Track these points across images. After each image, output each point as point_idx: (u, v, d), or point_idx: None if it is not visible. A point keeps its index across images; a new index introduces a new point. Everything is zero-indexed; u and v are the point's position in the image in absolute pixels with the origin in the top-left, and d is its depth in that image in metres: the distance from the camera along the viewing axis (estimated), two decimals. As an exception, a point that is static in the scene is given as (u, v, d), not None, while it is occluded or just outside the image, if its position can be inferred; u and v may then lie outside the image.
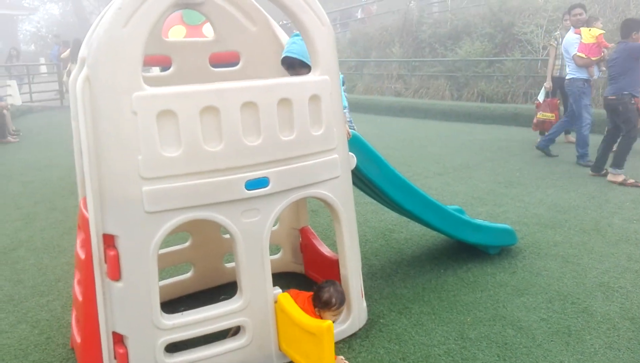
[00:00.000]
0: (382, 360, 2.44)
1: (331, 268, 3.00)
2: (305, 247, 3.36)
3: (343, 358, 2.44)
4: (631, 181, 5.21)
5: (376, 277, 3.36)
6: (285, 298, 2.37)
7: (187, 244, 3.16)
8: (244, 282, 2.30)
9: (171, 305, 2.88)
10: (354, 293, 2.68)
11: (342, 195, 2.55)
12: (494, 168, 6.13)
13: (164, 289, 3.02)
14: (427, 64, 12.79)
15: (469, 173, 5.98)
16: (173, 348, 2.26)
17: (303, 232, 3.36)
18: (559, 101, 7.15)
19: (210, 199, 2.13)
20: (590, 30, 6.05)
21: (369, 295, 3.07)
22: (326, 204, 2.54)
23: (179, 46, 2.95)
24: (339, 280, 2.73)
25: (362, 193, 3.42)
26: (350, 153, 2.65)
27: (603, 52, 5.98)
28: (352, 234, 2.66)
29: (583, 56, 6.01)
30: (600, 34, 6.01)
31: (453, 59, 11.88)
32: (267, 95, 2.18)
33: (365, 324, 2.77)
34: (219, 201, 2.16)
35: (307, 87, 2.31)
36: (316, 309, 2.47)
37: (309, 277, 3.38)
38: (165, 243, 3.11)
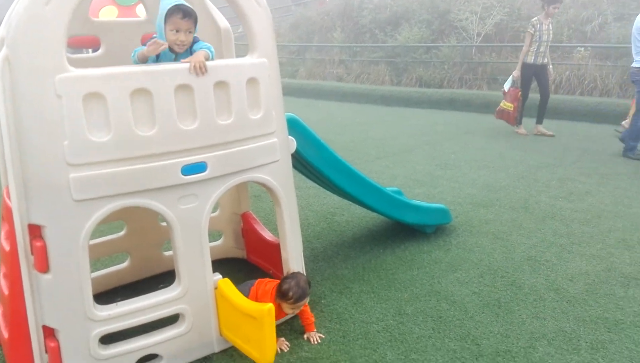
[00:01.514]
0: (323, 340, 2.48)
1: (273, 253, 3.01)
2: (247, 232, 3.34)
3: (284, 340, 2.46)
4: None
5: (318, 259, 3.41)
6: (226, 284, 2.35)
7: (122, 233, 3.05)
8: (182, 269, 2.26)
9: (107, 296, 2.78)
10: (296, 276, 2.70)
11: (282, 179, 2.54)
12: (431, 151, 6.33)
13: (99, 280, 2.93)
14: (367, 50, 12.93)
15: (407, 156, 6.14)
16: (109, 339, 2.19)
17: (244, 217, 3.33)
18: (520, 93, 7.01)
19: (144, 186, 2.06)
20: None
21: (311, 277, 3.10)
22: (266, 188, 2.53)
23: (107, 27, 2.80)
24: (281, 263, 2.75)
25: (304, 177, 3.44)
26: (290, 137, 2.65)
27: None
28: (292, 218, 2.67)
29: None
30: None
31: (393, 45, 12.09)
32: (203, 77, 2.13)
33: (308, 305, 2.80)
34: (154, 188, 2.09)
35: (245, 70, 2.27)
36: (276, 297, 2.42)
37: (251, 262, 3.37)
38: (99, 232, 3.01)
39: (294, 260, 2.70)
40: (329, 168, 3.02)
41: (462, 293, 2.90)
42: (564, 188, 4.73)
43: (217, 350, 2.44)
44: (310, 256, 3.44)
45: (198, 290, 2.31)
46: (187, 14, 2.22)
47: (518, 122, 7.20)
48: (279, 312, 2.45)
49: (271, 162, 2.45)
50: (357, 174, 3.17)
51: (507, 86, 7.10)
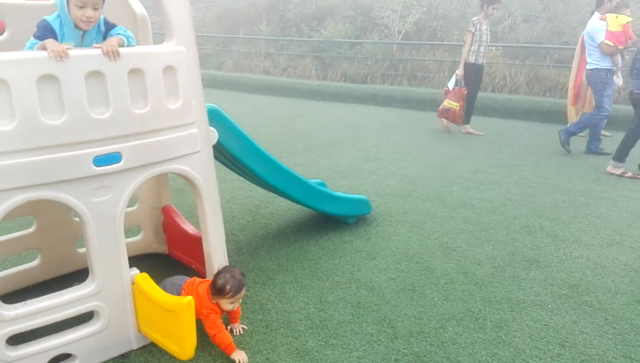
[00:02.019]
0: (245, 331, 2.50)
1: (195, 246, 2.96)
2: (168, 226, 3.26)
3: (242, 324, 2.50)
4: (629, 173, 5.21)
5: (242, 252, 3.40)
6: (143, 279, 2.29)
7: (31, 229, 2.86)
8: (95, 265, 2.17)
9: (18, 296, 2.62)
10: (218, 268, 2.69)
11: (202, 171, 2.51)
12: (355, 144, 6.50)
13: (7, 279, 2.76)
14: (294, 44, 12.97)
15: (332, 149, 6.27)
16: (20, 339, 2.07)
17: (165, 211, 3.25)
18: (466, 91, 6.95)
19: (52, 178, 1.95)
20: (617, 17, 5.69)
21: (235, 269, 3.10)
22: (187, 180, 2.49)
23: (13, 9, 2.61)
24: (203, 257, 2.72)
25: (228, 170, 3.41)
26: (211, 128, 2.61)
27: (628, 42, 5.69)
28: (214, 210, 2.65)
29: (611, 44, 5.63)
30: (627, 22, 5.66)
31: (318, 39, 12.21)
32: (115, 64, 2.04)
33: (230, 298, 2.80)
34: (64, 179, 1.98)
35: (161, 58, 2.21)
36: (212, 297, 2.35)
37: (173, 257, 3.30)
38: (7, 229, 2.81)
39: (216, 253, 2.68)
40: (251, 160, 3.01)
41: (380, 279, 3.03)
42: (474, 179, 5.05)
43: (135, 347, 2.37)
44: (235, 249, 3.43)
45: (114, 286, 2.23)
46: None
47: (464, 122, 7.17)
48: (233, 317, 2.47)
49: (191, 153, 2.41)
50: (279, 165, 3.20)
51: (451, 85, 7.02)
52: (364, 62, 11.25)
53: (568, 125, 6.40)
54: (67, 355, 2.19)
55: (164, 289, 2.34)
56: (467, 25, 7.11)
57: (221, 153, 2.96)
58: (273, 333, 2.49)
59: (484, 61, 6.98)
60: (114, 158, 2.10)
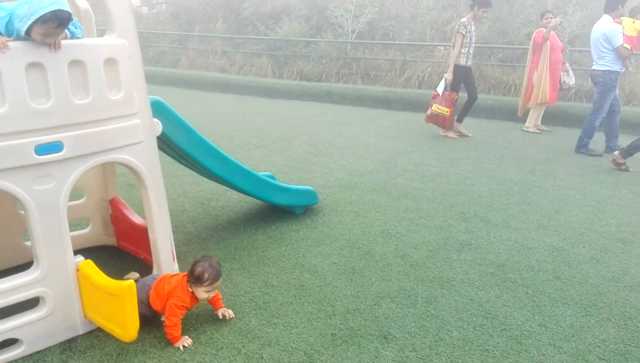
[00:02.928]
0: (191, 314, 2.60)
1: (143, 237, 3.03)
2: (116, 218, 3.32)
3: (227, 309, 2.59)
4: (624, 167, 5.51)
5: (192, 243, 3.50)
6: (88, 265, 2.36)
7: (-26, 222, 2.88)
8: (40, 252, 2.23)
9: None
10: (164, 257, 2.78)
11: (146, 160, 2.59)
12: (308, 140, 6.67)
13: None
14: (250, 42, 13.01)
15: (285, 145, 6.40)
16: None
17: (113, 203, 3.30)
18: (456, 97, 6.75)
19: (-7, 166, 2.01)
20: (634, 22, 5.79)
21: (184, 259, 3.20)
22: (130, 169, 2.57)
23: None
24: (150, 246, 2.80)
25: (181, 166, 3.48)
26: (155, 119, 2.70)
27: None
28: (159, 199, 2.74)
29: (629, 47, 5.73)
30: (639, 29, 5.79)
31: (274, 38, 12.31)
32: (56, 56, 2.12)
33: (177, 284, 2.89)
34: (6, 168, 2.05)
35: (102, 50, 2.29)
36: (190, 285, 2.42)
37: (122, 249, 3.36)
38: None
39: (162, 241, 2.76)
40: (198, 152, 3.11)
41: (323, 264, 3.20)
42: (418, 171, 5.31)
43: (81, 332, 2.45)
44: (184, 240, 3.52)
45: (58, 273, 2.30)
46: (62, 23, 2.03)
47: (452, 128, 7.01)
48: (193, 300, 2.47)
49: (134, 143, 2.49)
50: (226, 157, 3.31)
51: (440, 90, 6.73)
52: (319, 60, 11.44)
53: (578, 141, 6.36)
54: (14, 340, 2.24)
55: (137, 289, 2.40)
56: (452, 27, 7.18)
57: (168, 146, 3.04)
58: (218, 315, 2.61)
59: (471, 63, 6.88)
60: (55, 147, 2.17)
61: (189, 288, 2.43)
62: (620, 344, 2.48)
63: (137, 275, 2.75)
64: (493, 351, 2.40)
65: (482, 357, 2.35)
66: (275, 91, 10.82)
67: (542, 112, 7.57)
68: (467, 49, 6.63)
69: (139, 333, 2.25)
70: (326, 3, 12.32)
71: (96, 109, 2.29)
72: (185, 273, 2.49)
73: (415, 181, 4.96)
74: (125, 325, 2.21)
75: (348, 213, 4.04)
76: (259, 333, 2.48)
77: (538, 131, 7.47)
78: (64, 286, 2.33)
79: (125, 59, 2.40)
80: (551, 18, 7.08)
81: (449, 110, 6.67)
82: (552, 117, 7.79)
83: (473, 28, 6.65)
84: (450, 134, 6.97)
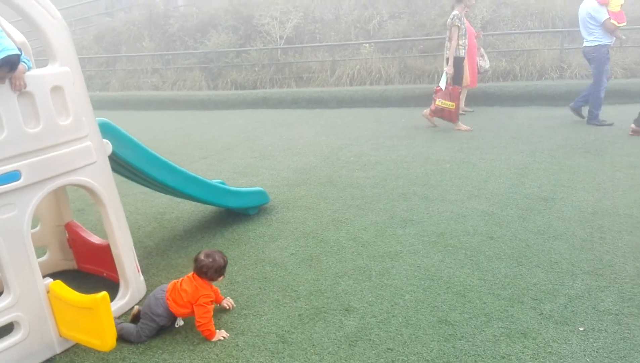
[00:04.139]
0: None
1: (104, 255, 3.13)
2: (74, 241, 3.38)
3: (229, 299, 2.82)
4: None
5: (152, 255, 3.61)
6: (58, 285, 2.46)
7: None
8: (10, 279, 2.31)
9: None
10: (129, 269, 2.90)
11: (101, 179, 2.72)
12: (251, 146, 6.85)
13: None
14: (180, 57, 12.98)
15: (230, 153, 6.56)
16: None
17: (69, 227, 3.36)
18: (460, 89, 6.85)
19: (-46, 200, 2.09)
20: None
21: (147, 270, 3.32)
22: (87, 190, 2.68)
23: None
24: (113, 263, 2.91)
25: (130, 183, 3.57)
26: (105, 140, 2.82)
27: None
28: (118, 214, 2.86)
29: (615, 22, 6.18)
30: (621, 4, 6.29)
31: (204, 51, 12.36)
32: (4, 90, 2.22)
33: (145, 295, 3.02)
34: (-34, 201, 2.13)
35: (48, 80, 2.40)
36: (214, 279, 2.63)
37: (83, 270, 3.42)
38: None
39: (125, 255, 2.89)
40: (148, 166, 3.23)
41: (283, 256, 3.42)
42: (359, 161, 5.64)
43: (59, 351, 2.53)
44: (144, 254, 3.62)
45: (30, 296, 2.39)
46: (13, 66, 2.17)
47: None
48: (215, 292, 2.70)
49: (88, 164, 2.62)
50: (176, 168, 3.45)
51: (442, 84, 6.79)
52: (252, 68, 11.62)
53: (588, 115, 6.81)
54: (-9, 367, 2.31)
55: (146, 304, 2.57)
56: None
57: (119, 164, 3.15)
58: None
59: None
60: (13, 176, 2.27)
61: (211, 282, 2.63)
62: (549, 285, 2.86)
63: (137, 307, 2.77)
64: (441, 306, 2.71)
65: (432, 312, 2.66)
66: (211, 102, 10.89)
67: (465, 95, 8.15)
68: (463, 40, 6.78)
69: (117, 341, 2.37)
70: (251, 12, 12.51)
71: (48, 136, 2.40)
72: (191, 274, 2.64)
73: (358, 171, 5.28)
74: (103, 335, 2.33)
75: (299, 208, 4.29)
76: (231, 325, 2.67)
77: (463, 113, 8.05)
78: (37, 308, 2.42)
79: (71, 86, 2.52)
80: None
81: (454, 103, 6.72)
82: (474, 99, 8.39)
83: (464, 19, 6.86)
84: (463, 126, 6.93)
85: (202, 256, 2.62)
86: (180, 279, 2.69)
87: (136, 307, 2.74)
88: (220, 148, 6.87)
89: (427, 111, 7.22)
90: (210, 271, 2.60)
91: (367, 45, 10.70)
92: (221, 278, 2.68)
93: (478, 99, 8.49)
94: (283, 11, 11.81)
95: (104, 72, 13.85)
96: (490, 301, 2.73)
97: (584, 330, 2.43)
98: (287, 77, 11.27)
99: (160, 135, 8.13)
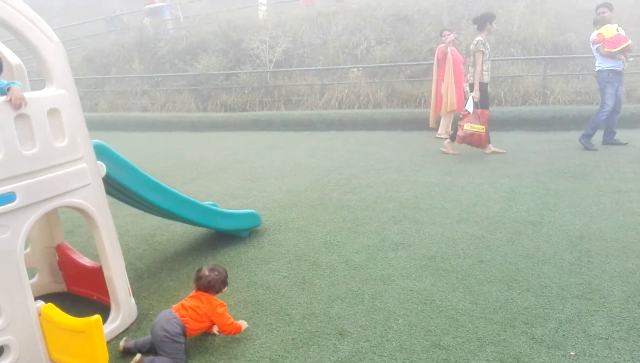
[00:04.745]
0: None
1: (95, 278, 3.10)
2: (64, 264, 3.34)
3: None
4: None
5: (143, 278, 3.58)
6: (50, 309, 2.43)
7: None
8: (2, 301, 2.28)
9: None
10: (121, 293, 2.88)
11: (96, 201, 2.71)
12: (242, 168, 6.87)
13: None
14: (170, 79, 13.04)
15: (221, 174, 6.56)
16: None
17: (59, 249, 3.33)
18: (488, 113, 6.74)
19: (-52, 222, 2.07)
20: (609, 27, 6.64)
21: (138, 293, 3.28)
22: (81, 212, 2.67)
23: None
24: (105, 286, 2.88)
25: (120, 205, 3.55)
26: (99, 162, 2.83)
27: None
28: (111, 236, 2.85)
29: (609, 49, 6.56)
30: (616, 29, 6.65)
31: (194, 73, 12.44)
32: (1, 112, 2.22)
33: (137, 318, 2.99)
34: (-40, 222, 2.11)
35: (44, 102, 2.42)
36: (220, 291, 2.74)
37: (72, 293, 3.38)
38: None
39: (117, 278, 2.87)
40: (141, 188, 3.24)
41: (275, 279, 3.41)
42: (350, 184, 5.69)
43: (48, 375, 2.49)
44: (135, 276, 3.59)
45: (22, 319, 2.35)
46: None
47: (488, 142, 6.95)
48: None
49: (83, 186, 2.61)
50: (169, 190, 3.45)
51: (470, 108, 6.65)
52: (241, 91, 11.71)
53: (584, 131, 7.02)
54: (-21, 394, 2.26)
55: (156, 334, 2.53)
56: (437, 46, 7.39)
57: (112, 186, 3.15)
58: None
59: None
60: (8, 197, 2.26)
61: (220, 293, 2.77)
62: (540, 309, 2.90)
63: (139, 355, 2.57)
64: (435, 330, 2.73)
65: (426, 337, 2.67)
66: (201, 124, 10.92)
67: (452, 119, 8.30)
68: (488, 65, 6.72)
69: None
70: (241, 36, 12.67)
71: (44, 158, 2.40)
72: (196, 293, 2.70)
73: (348, 193, 5.32)
74: (96, 359, 2.30)
75: (291, 230, 4.29)
76: (224, 350, 2.65)
77: (445, 137, 8.18)
78: (28, 332, 2.38)
79: (67, 108, 2.54)
80: (448, 34, 7.88)
81: (483, 127, 6.62)
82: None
83: (488, 45, 6.77)
84: (495, 149, 6.92)
85: (206, 272, 2.71)
86: (180, 303, 2.68)
87: (138, 355, 2.55)
88: (211, 170, 6.87)
89: (447, 142, 7.08)
90: (217, 283, 2.70)
91: (355, 69, 10.89)
92: (226, 288, 2.79)
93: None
94: (272, 36, 11.98)
95: (92, 93, 13.84)
96: (482, 326, 2.75)
97: (576, 354, 2.46)
98: (277, 99, 11.38)
99: (150, 156, 8.11)
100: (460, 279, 3.29)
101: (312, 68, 11.67)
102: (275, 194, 5.45)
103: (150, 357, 2.52)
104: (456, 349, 2.54)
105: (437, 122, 8.39)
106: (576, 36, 10.35)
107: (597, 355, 2.44)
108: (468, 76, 6.96)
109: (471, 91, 6.77)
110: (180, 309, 2.62)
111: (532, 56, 10.30)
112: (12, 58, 2.87)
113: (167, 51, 13.54)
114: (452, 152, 7.00)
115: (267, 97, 11.48)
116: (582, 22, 10.60)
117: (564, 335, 2.62)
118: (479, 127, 6.61)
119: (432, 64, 8.26)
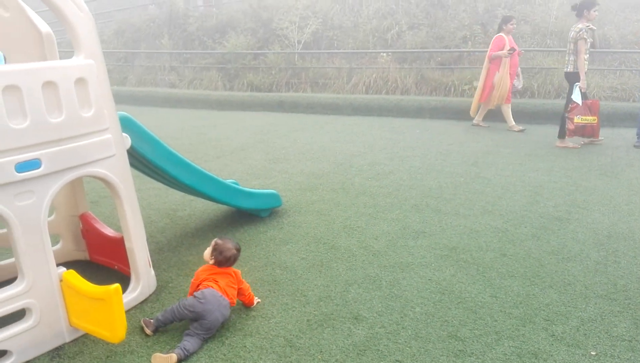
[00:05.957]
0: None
1: (117, 248, 3.15)
2: (87, 232, 3.40)
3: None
4: None
5: (163, 251, 3.62)
6: (71, 275, 2.47)
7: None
8: (25, 265, 2.33)
9: None
10: (141, 263, 2.91)
11: (119, 172, 2.74)
12: (265, 148, 6.87)
13: None
14: (198, 56, 13.07)
15: (244, 154, 6.58)
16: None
17: (83, 218, 3.39)
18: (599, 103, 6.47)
19: (-24, 185, 2.11)
20: None
21: (158, 265, 3.33)
22: (105, 182, 2.70)
23: None
24: (126, 256, 2.92)
25: (145, 178, 3.58)
26: (124, 134, 2.84)
27: None
28: (133, 208, 2.87)
29: None
30: None
31: (222, 51, 12.44)
32: (30, 78, 2.24)
33: (156, 290, 3.04)
34: (-13, 186, 2.15)
35: (72, 71, 2.42)
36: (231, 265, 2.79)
37: (95, 262, 3.44)
38: None
39: (139, 249, 2.90)
40: (165, 162, 3.25)
41: (293, 260, 3.41)
42: (373, 170, 5.63)
43: (68, 340, 2.55)
44: (156, 249, 3.63)
45: (43, 284, 2.40)
46: None
47: (560, 135, 6.72)
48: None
49: (107, 157, 2.63)
50: (193, 166, 3.47)
51: (578, 99, 6.37)
52: (268, 71, 11.66)
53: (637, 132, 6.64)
54: (3, 352, 2.32)
55: (215, 319, 2.53)
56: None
57: (136, 159, 3.17)
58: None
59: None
60: (34, 164, 2.29)
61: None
62: (562, 306, 2.82)
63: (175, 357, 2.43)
64: (452, 321, 2.68)
65: (443, 327, 2.63)
66: (227, 103, 10.94)
67: (485, 111, 8.10)
68: (587, 55, 6.41)
69: (125, 334, 2.38)
70: (271, 16, 12.57)
71: (70, 127, 2.42)
72: (220, 270, 2.73)
73: (371, 179, 5.27)
74: (114, 327, 2.33)
75: (311, 213, 4.28)
76: (239, 326, 2.66)
77: (486, 125, 8.02)
78: (49, 296, 2.43)
79: (94, 78, 2.54)
80: (514, 25, 7.60)
81: (595, 118, 6.41)
82: (491, 114, 8.34)
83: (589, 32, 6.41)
84: (569, 144, 6.68)
85: (234, 250, 2.76)
86: (213, 282, 2.67)
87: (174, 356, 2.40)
88: (235, 149, 6.89)
89: (559, 141, 6.73)
90: (238, 252, 2.81)
91: (384, 54, 10.70)
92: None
93: (495, 115, 8.43)
94: (302, 16, 11.85)
95: (122, 67, 13.99)
96: (501, 319, 2.69)
97: (596, 354, 2.39)
98: (303, 81, 11.29)
99: (176, 132, 8.18)
100: (481, 271, 3.23)
101: (341, 51, 11.52)
102: (297, 176, 5.44)
103: (182, 344, 2.44)
104: (473, 341, 2.50)
105: (476, 111, 8.21)
106: (616, 30, 9.93)
107: (619, 357, 2.37)
108: (567, 65, 6.55)
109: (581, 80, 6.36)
110: (226, 291, 2.65)
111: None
112: (42, 26, 2.88)
113: (197, 28, 13.55)
114: (572, 146, 6.64)
115: (294, 78, 11.41)
116: (624, 16, 10.15)
117: (585, 334, 2.55)
118: (590, 119, 6.42)
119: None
